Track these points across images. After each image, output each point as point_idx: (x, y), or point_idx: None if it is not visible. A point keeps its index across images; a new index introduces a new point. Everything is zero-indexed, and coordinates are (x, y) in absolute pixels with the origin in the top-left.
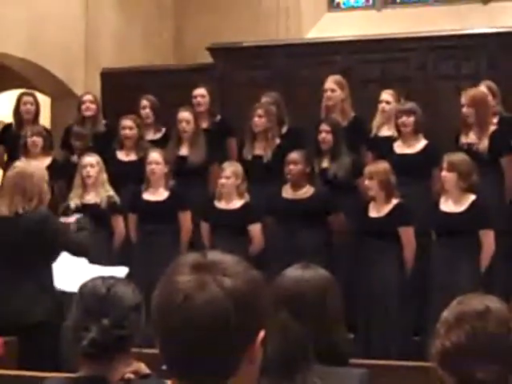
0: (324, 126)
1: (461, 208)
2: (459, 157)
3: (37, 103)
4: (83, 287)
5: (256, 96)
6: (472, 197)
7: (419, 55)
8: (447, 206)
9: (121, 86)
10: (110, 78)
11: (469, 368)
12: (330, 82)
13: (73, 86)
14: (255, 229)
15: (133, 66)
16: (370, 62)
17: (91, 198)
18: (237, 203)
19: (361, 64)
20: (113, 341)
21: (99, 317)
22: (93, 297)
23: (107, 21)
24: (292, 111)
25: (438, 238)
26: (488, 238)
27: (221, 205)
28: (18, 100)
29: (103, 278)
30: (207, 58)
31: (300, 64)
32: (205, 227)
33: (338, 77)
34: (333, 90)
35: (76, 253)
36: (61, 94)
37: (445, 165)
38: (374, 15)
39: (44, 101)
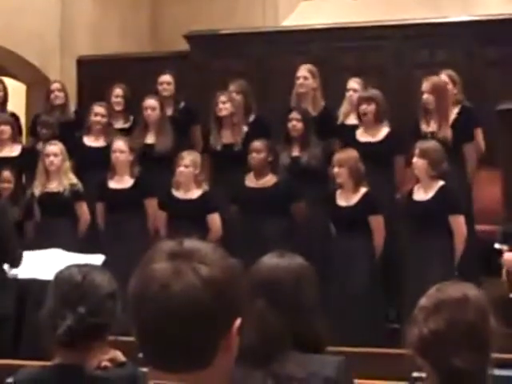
0: (294, 114)
1: (429, 195)
2: (431, 144)
3: (5, 89)
4: (59, 275)
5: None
6: (440, 183)
7: (394, 43)
8: (418, 194)
9: (97, 74)
10: (85, 65)
11: (446, 355)
12: (303, 70)
13: (48, 73)
14: (214, 218)
15: (109, 54)
16: (346, 50)
17: (54, 186)
18: (195, 193)
19: (336, 52)
20: (89, 329)
21: (75, 305)
22: (68, 285)
23: (83, 8)
24: (268, 99)
25: (410, 226)
26: (458, 224)
27: (179, 194)
28: None
29: (79, 266)
30: (184, 46)
31: (276, 52)
32: (162, 216)
33: (310, 66)
34: (305, 78)
35: (11, 258)
36: (36, 81)
37: (416, 151)
38: (349, 3)
39: (19, 88)
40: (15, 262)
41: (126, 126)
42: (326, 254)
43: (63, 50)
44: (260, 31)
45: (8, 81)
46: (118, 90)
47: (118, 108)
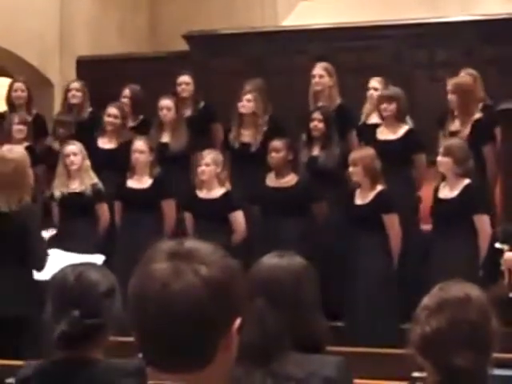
0: (317, 114)
1: (455, 193)
2: (455, 142)
3: (28, 90)
4: (53, 278)
5: (231, 84)
6: (466, 181)
7: (393, 43)
8: (443, 192)
9: (96, 74)
10: (85, 66)
11: (447, 354)
12: (319, 68)
13: (48, 73)
14: (237, 217)
15: (108, 54)
16: (345, 50)
17: (76, 186)
18: (218, 192)
19: (335, 52)
20: (85, 330)
21: (69, 308)
22: (61, 287)
23: (82, 8)
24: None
25: (436, 225)
26: (482, 223)
27: (202, 194)
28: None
29: (73, 266)
30: (183, 46)
31: (275, 52)
32: (188, 217)
33: (326, 63)
34: (321, 76)
35: (36, 262)
36: (36, 81)
37: (441, 149)
38: (349, 3)
39: None
40: (41, 266)
41: (134, 124)
42: (342, 254)
43: (62, 51)
44: (259, 31)
45: (7, 81)
46: (126, 91)
47: (126, 108)
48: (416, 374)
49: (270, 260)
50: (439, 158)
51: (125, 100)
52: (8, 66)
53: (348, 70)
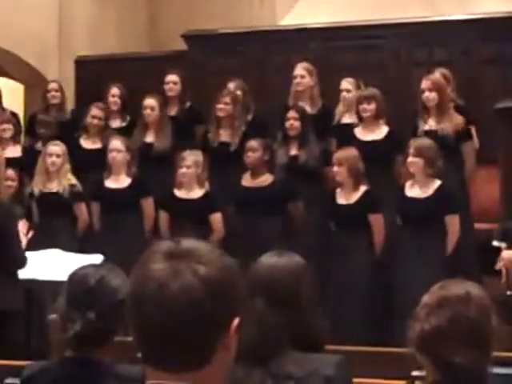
0: (292, 113)
1: (426, 193)
2: (426, 142)
3: None
4: (73, 275)
5: (229, 83)
6: (438, 182)
7: (392, 42)
8: (413, 191)
9: (94, 74)
10: (83, 65)
11: (447, 352)
12: (300, 69)
13: (46, 73)
14: (216, 218)
15: (106, 54)
16: (343, 49)
17: (53, 186)
18: (197, 192)
19: (334, 51)
20: (96, 332)
21: (85, 309)
22: (80, 287)
23: (81, 7)
24: (265, 98)
25: (404, 225)
26: (453, 223)
27: (181, 194)
28: None
29: (95, 267)
30: (181, 45)
31: (274, 51)
32: (163, 217)
33: (307, 64)
34: (302, 76)
35: (16, 262)
36: (34, 81)
37: (411, 150)
38: (347, 2)
39: (17, 88)
40: (21, 266)
41: (123, 124)
42: (324, 253)
43: (61, 50)
44: (257, 30)
45: (5, 81)
46: (114, 90)
47: (114, 108)
48: (415, 373)
49: (268, 259)
50: (410, 159)
51: (114, 99)
52: (6, 65)
53: (346, 69)
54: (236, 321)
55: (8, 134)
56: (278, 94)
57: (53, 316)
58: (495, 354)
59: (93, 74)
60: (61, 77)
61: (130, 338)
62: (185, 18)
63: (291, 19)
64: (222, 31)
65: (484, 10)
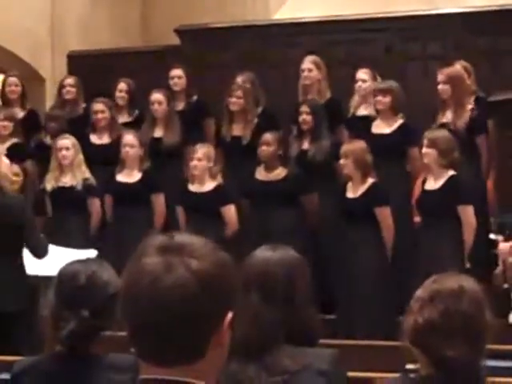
0: (304, 108)
1: (438, 185)
2: (440, 133)
3: (22, 85)
4: (62, 273)
5: (223, 77)
6: (450, 172)
7: (386, 36)
8: (429, 183)
9: (88, 69)
10: (76, 60)
11: (440, 345)
12: (307, 62)
13: (39, 68)
14: (229, 210)
15: (99, 49)
16: (337, 43)
17: (67, 180)
18: (209, 185)
19: (328, 45)
20: (89, 329)
21: (79, 307)
22: (72, 285)
23: (73, 3)
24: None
25: (422, 217)
26: (466, 214)
27: (193, 188)
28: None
29: (83, 263)
30: (174, 40)
31: (267, 45)
32: (180, 211)
33: (315, 57)
34: (310, 70)
35: (36, 250)
36: (27, 76)
37: (425, 141)
38: None
39: None
40: (43, 255)
41: (130, 119)
42: (336, 247)
43: (54, 46)
44: (251, 24)
45: None
46: (122, 85)
47: (121, 102)
48: (409, 366)
49: (263, 253)
50: (424, 150)
51: (121, 94)
52: None
53: (340, 63)
54: (229, 315)
55: (6, 132)
56: (272, 87)
57: (44, 312)
58: (489, 346)
59: (86, 69)
60: (54, 72)
61: (122, 333)
62: (177, 13)
63: (284, 13)
64: (215, 25)
65: (477, 4)
